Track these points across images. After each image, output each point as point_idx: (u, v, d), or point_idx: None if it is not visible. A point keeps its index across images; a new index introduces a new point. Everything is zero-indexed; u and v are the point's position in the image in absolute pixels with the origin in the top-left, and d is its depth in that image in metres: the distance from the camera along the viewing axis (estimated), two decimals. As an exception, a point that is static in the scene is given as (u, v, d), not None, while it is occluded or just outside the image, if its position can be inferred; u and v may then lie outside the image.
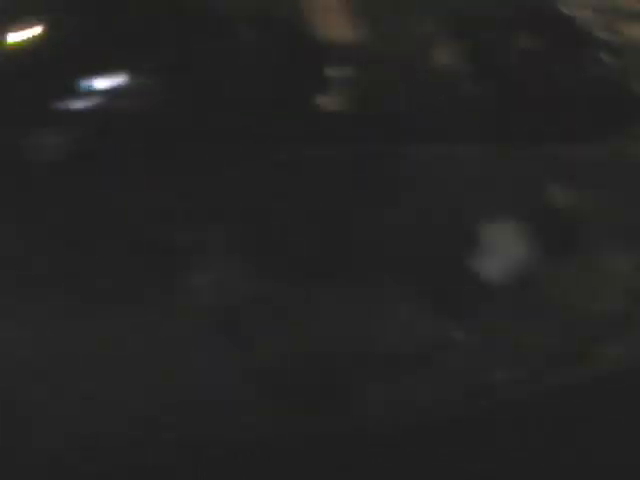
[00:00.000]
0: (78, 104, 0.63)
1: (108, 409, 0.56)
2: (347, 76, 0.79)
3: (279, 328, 0.64)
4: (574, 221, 0.83)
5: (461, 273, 0.75)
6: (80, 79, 0.63)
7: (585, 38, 0.94)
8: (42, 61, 0.64)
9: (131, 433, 0.58)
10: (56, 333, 0.54)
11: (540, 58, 0.87)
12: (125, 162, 0.56)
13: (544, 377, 0.76)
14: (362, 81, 0.75)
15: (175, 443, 0.59)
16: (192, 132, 0.67)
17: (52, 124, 0.62)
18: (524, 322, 0.77)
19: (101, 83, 0.66)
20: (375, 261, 0.70)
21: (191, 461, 0.60)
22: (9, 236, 0.58)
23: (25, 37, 0.66)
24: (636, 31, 0.97)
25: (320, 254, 0.69)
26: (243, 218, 0.66)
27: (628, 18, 1.00)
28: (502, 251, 0.79)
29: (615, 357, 0.80)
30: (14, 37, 0.66)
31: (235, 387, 0.61)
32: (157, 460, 0.58)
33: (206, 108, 0.69)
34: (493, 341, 0.76)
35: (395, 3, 0.75)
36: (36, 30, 0.65)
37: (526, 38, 0.88)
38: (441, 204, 0.76)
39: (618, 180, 0.85)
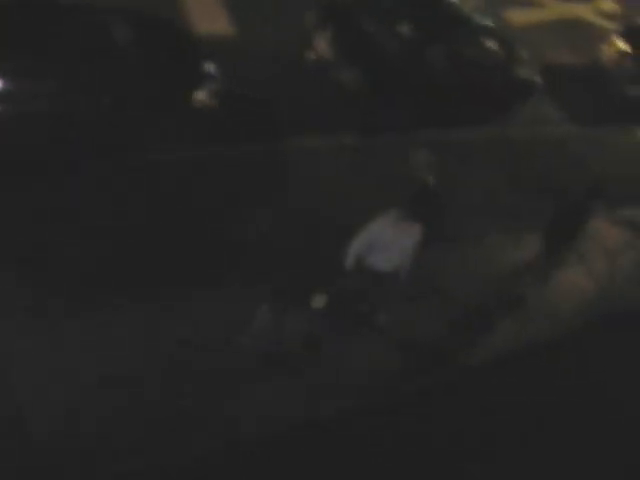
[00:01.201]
0: None
1: None
2: (217, 73, 0.76)
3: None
4: (450, 207, 0.83)
5: (338, 269, 0.74)
6: None
7: (465, 25, 0.94)
8: None
9: None
10: None
11: (418, 47, 0.87)
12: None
13: (431, 371, 0.76)
14: (232, 77, 0.72)
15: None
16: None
17: None
18: (408, 315, 0.77)
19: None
20: (243, 266, 0.67)
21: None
22: None
23: None
24: (520, 18, 0.99)
25: (182, 260, 0.65)
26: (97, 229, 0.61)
27: (514, 5, 1.03)
28: (381, 246, 0.78)
29: (499, 340, 0.80)
30: None
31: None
32: None
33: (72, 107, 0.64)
34: (377, 337, 0.76)
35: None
36: None
37: (404, 27, 0.88)
38: (314, 199, 0.75)
39: (497, 163, 0.85)
